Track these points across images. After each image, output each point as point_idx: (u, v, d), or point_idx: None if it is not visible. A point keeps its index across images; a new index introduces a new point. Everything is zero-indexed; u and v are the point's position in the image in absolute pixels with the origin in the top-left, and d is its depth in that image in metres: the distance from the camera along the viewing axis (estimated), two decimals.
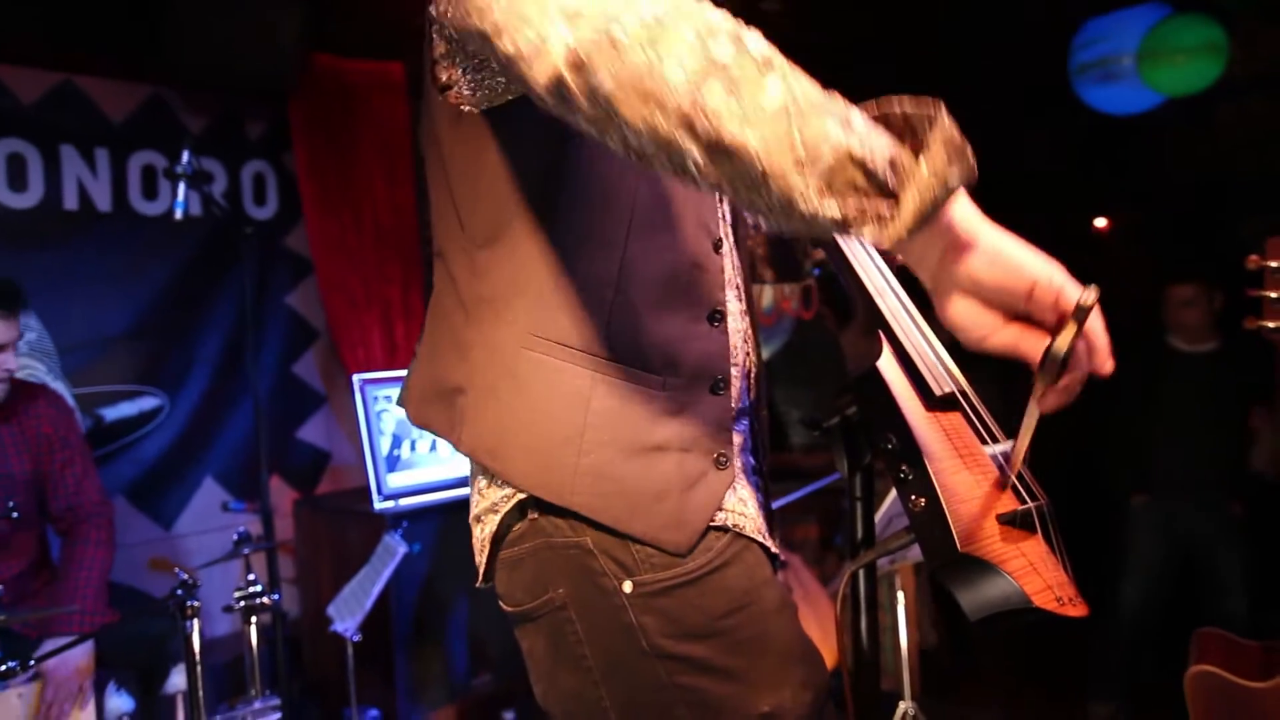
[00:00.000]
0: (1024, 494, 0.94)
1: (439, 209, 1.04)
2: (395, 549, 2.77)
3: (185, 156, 2.30)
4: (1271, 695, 1.64)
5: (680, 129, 0.70)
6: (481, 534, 1.03)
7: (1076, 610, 0.89)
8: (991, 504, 0.92)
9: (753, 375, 1.09)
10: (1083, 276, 0.79)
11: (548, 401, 0.95)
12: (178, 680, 2.39)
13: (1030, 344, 0.79)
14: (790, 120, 0.70)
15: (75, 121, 3.49)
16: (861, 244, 1.07)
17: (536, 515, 0.97)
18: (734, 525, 0.98)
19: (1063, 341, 0.75)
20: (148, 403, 3.72)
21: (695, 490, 0.95)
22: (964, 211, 0.78)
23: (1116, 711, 2.95)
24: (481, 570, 1.04)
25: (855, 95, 0.77)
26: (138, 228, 3.65)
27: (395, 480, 3.44)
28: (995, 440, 0.97)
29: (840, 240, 1.06)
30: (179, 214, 2.33)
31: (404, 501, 3.41)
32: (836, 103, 0.73)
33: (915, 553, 2.78)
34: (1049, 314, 0.78)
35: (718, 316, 1.00)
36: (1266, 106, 4.86)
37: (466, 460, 1.04)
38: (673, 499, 0.94)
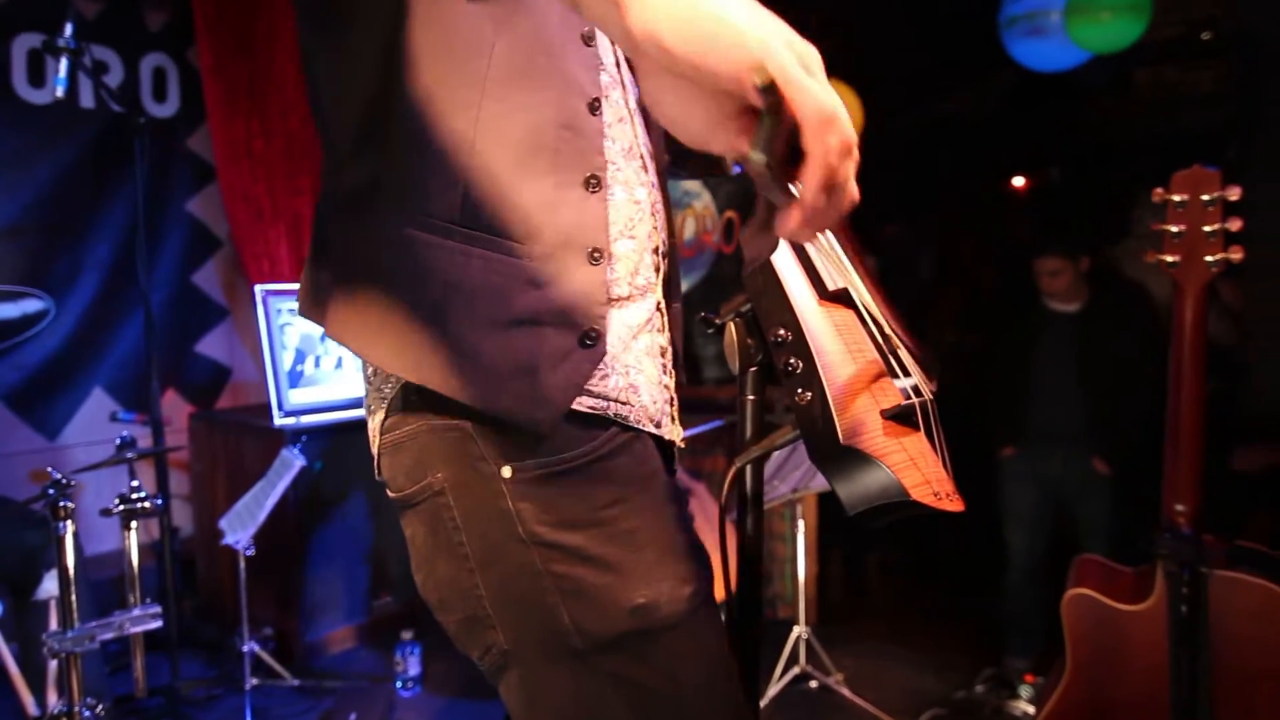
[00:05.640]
0: (909, 390, 0.93)
1: (309, 81, 0.98)
2: (292, 462, 2.68)
3: (68, 29, 2.12)
4: (1141, 617, 1.72)
5: None
6: (373, 424, 0.99)
7: (953, 505, 0.89)
8: (876, 399, 0.91)
9: (661, 252, 1.03)
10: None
11: (406, 277, 0.91)
12: (50, 586, 2.28)
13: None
14: None
15: None
16: None
17: (417, 399, 0.93)
18: (618, 415, 0.95)
19: (756, 140, 0.57)
20: (31, 305, 3.51)
21: (558, 368, 0.91)
22: None
23: (1032, 662, 3.06)
24: (376, 463, 1.00)
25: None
26: (22, 117, 3.40)
27: (297, 396, 3.33)
28: (885, 337, 0.95)
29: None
30: (60, 91, 2.15)
31: (305, 419, 3.30)
32: None
33: (820, 482, 2.82)
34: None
35: (594, 182, 0.93)
36: (1179, 73, 4.99)
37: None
38: (533, 376, 0.90)
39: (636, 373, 0.98)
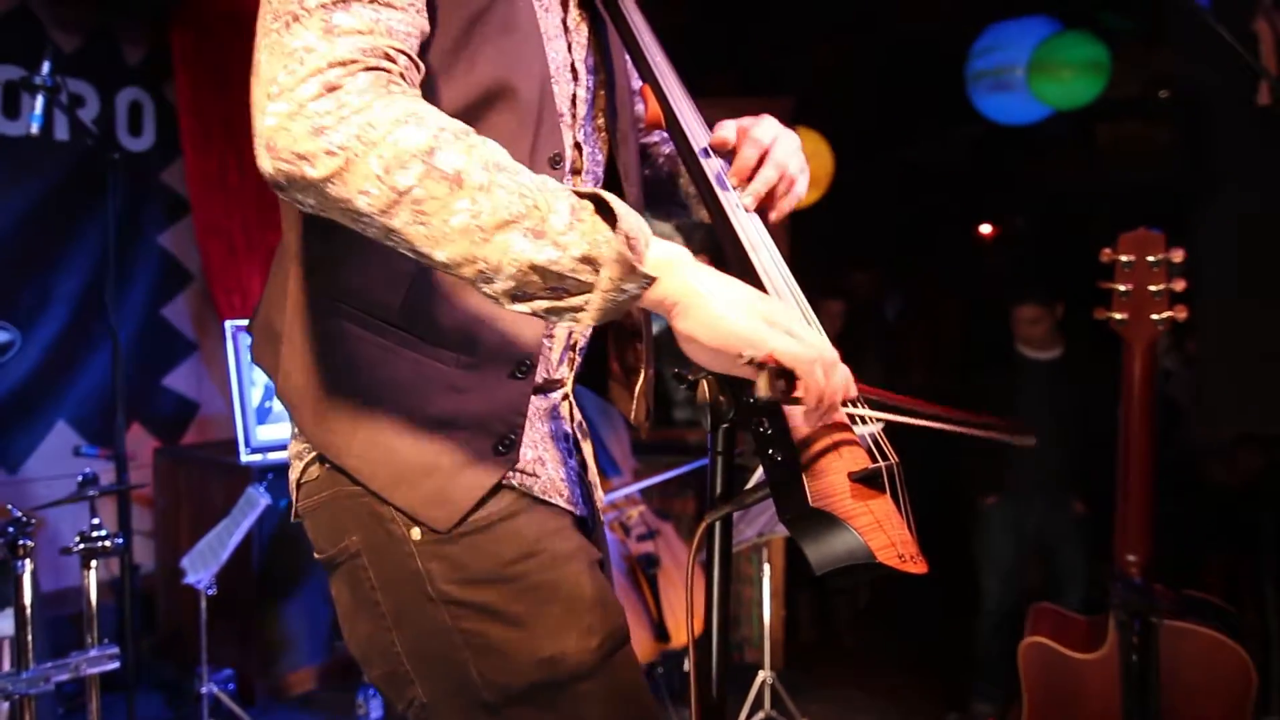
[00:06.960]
0: (875, 453, 0.96)
1: None
2: (257, 501, 2.66)
3: (45, 67, 2.13)
4: (1094, 665, 1.76)
5: (387, 239, 0.80)
6: (293, 476, 1.06)
7: (916, 567, 0.92)
8: (844, 462, 0.94)
9: (576, 346, 1.10)
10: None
11: (341, 365, 0.97)
12: (4, 625, 2.23)
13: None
14: (472, 241, 0.77)
15: None
16: (736, 199, 1.07)
17: (330, 465, 0.99)
18: (521, 485, 0.99)
19: (759, 387, 0.85)
20: None
21: (467, 472, 0.96)
22: (678, 285, 0.84)
23: (1000, 709, 3.09)
24: (293, 510, 1.07)
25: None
26: None
27: (265, 433, 3.31)
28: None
29: (717, 191, 1.06)
30: (35, 129, 2.16)
31: (272, 455, 3.28)
32: (538, 204, 0.78)
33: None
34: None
35: None
36: (1139, 127, 5.17)
37: None
38: (440, 477, 0.95)
39: (543, 449, 1.04)
